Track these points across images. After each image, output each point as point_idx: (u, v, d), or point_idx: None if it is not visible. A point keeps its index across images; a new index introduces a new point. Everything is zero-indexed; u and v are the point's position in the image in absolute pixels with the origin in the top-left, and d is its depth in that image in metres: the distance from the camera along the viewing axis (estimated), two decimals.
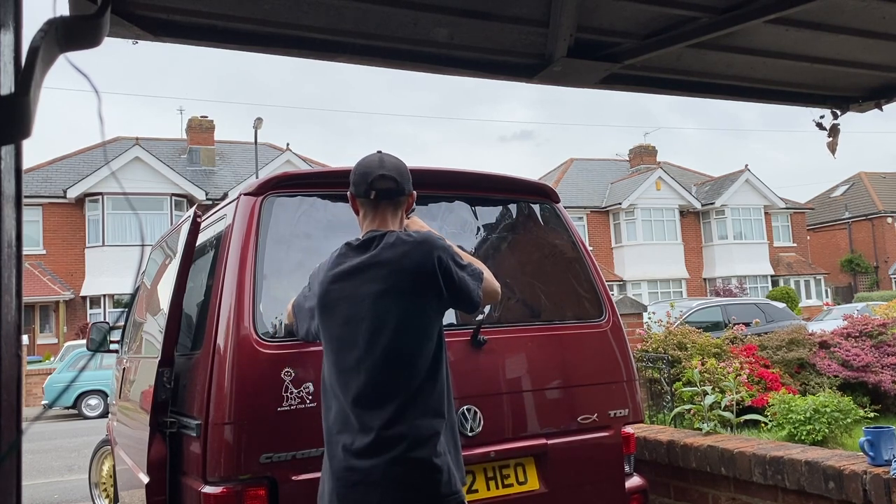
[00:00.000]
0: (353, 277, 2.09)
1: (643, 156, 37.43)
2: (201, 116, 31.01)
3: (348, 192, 2.25)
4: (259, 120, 24.01)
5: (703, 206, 34.14)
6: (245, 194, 2.74)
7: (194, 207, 3.37)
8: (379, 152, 2.24)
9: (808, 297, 34.96)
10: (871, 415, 6.67)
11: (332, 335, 2.11)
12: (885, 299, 23.86)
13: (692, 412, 5.76)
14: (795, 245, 37.17)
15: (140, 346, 3.57)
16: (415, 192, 2.27)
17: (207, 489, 2.36)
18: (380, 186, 2.14)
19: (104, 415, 13.10)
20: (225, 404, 2.38)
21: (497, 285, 2.32)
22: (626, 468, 3.11)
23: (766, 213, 35.55)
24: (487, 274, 2.26)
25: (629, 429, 3.14)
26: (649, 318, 8.96)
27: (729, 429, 5.23)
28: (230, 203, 2.87)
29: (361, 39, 2.44)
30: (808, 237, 38.84)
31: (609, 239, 33.62)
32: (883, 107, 3.27)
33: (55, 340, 24.48)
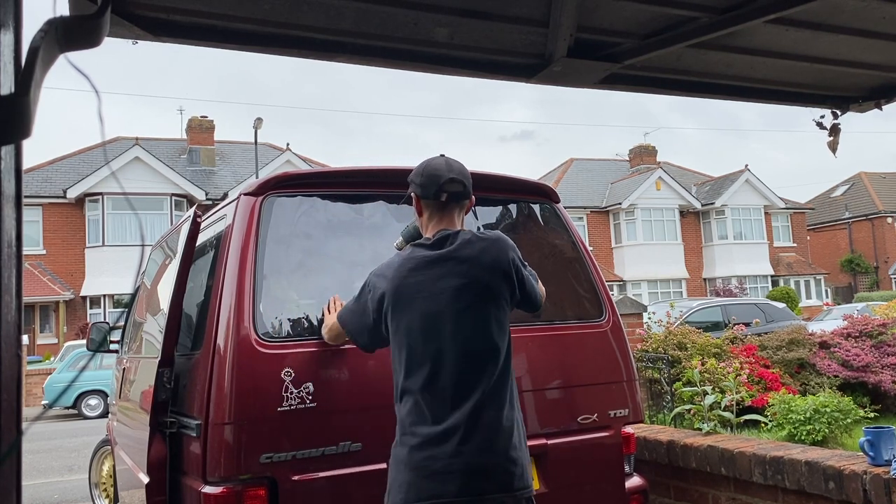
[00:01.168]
0: (429, 270, 2.15)
1: (643, 156, 37.42)
2: (201, 116, 31.01)
3: (411, 194, 2.29)
4: (259, 120, 24.01)
5: (703, 206, 34.14)
6: (245, 194, 2.74)
7: (194, 207, 3.37)
8: (443, 156, 2.31)
9: (808, 297, 34.96)
10: (871, 415, 6.67)
11: (409, 328, 2.14)
12: (885, 299, 23.86)
13: (692, 412, 5.76)
14: (795, 245, 37.16)
15: (140, 346, 3.57)
16: (474, 197, 2.34)
17: (207, 489, 2.36)
18: (451, 189, 2.21)
19: (104, 415, 13.10)
20: (225, 404, 2.38)
21: (544, 289, 2.44)
22: (626, 468, 3.11)
23: (766, 213, 35.55)
24: (536, 276, 2.38)
25: (629, 429, 3.14)
26: (649, 318, 8.96)
27: (729, 429, 5.23)
28: (230, 203, 2.87)
29: (361, 39, 2.43)
30: (808, 237, 38.83)
31: (609, 239, 33.61)
32: (883, 107, 3.26)
33: (55, 340, 24.48)
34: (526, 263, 2.30)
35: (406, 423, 2.12)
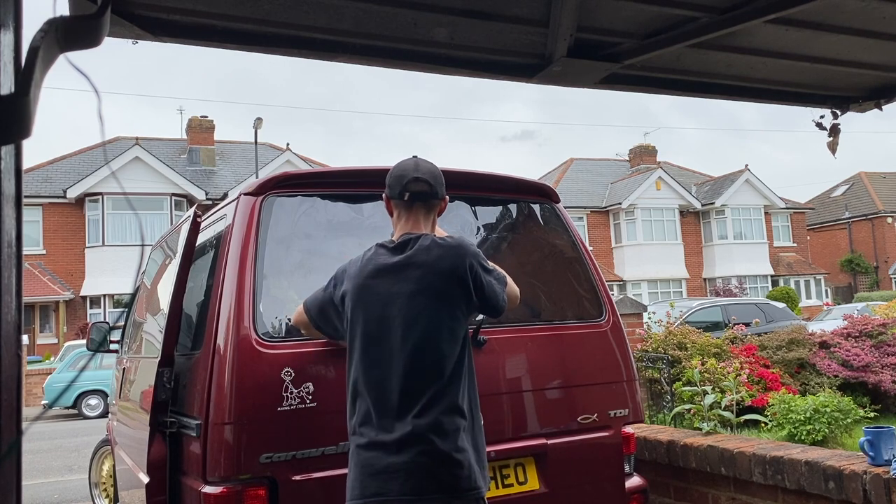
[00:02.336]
0: (388, 276, 2.17)
1: (643, 156, 37.42)
2: (201, 116, 31.01)
3: (383, 194, 2.33)
4: (259, 120, 24.01)
5: (703, 206, 34.13)
6: (245, 194, 2.74)
7: (194, 207, 3.37)
8: (414, 157, 2.32)
9: (808, 297, 34.94)
10: (871, 415, 6.67)
11: (364, 331, 2.17)
12: (885, 299, 23.85)
13: (692, 412, 5.76)
14: (795, 245, 37.15)
15: (140, 346, 3.57)
16: (447, 198, 2.35)
17: (207, 489, 2.36)
18: (414, 189, 2.23)
19: (104, 415, 13.10)
20: (225, 404, 2.38)
21: (517, 290, 2.43)
22: (626, 468, 3.11)
23: (766, 213, 35.54)
24: (509, 279, 2.37)
25: (629, 429, 3.14)
26: (649, 318, 8.96)
27: (729, 429, 5.24)
28: (230, 203, 2.87)
29: (361, 39, 2.43)
30: (808, 237, 38.82)
31: (609, 239, 33.61)
32: (883, 107, 3.26)
33: (55, 340, 24.48)
34: (492, 268, 2.28)
35: (355, 423, 2.16)
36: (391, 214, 2.33)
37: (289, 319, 2.59)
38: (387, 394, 2.11)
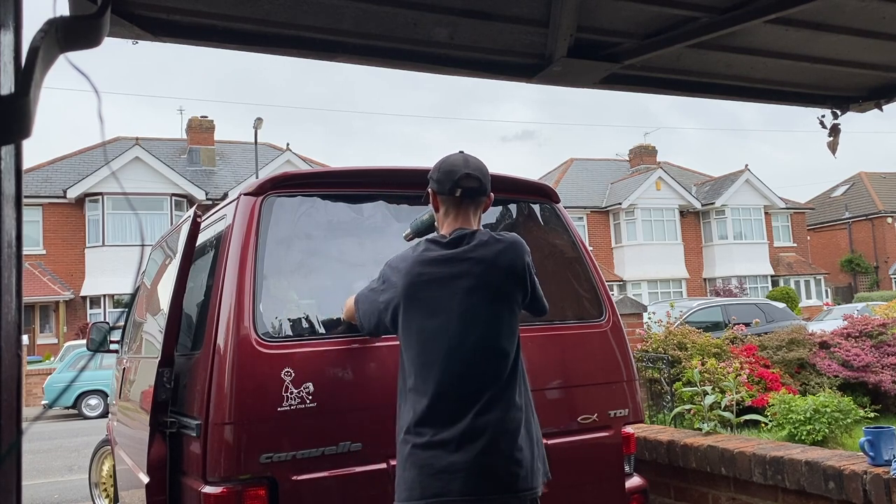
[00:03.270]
0: (443, 269, 2.14)
1: (643, 156, 37.41)
2: (201, 116, 31.00)
3: (428, 189, 2.29)
4: (259, 120, 24.00)
5: (703, 206, 34.13)
6: (245, 194, 2.74)
7: (194, 207, 3.37)
8: (461, 152, 2.29)
9: (808, 297, 34.94)
10: (871, 415, 6.67)
11: (420, 325, 2.14)
12: (885, 299, 23.85)
13: (692, 412, 5.76)
14: (795, 245, 37.15)
15: (140, 346, 3.57)
16: (492, 195, 2.32)
17: (207, 489, 2.36)
18: (465, 185, 2.19)
19: (104, 415, 13.10)
20: (225, 404, 2.38)
21: None
22: (626, 468, 3.11)
23: (766, 213, 35.54)
24: None
25: (629, 429, 3.14)
26: (649, 318, 8.96)
27: (729, 429, 5.24)
28: (230, 203, 2.87)
29: (361, 39, 2.43)
30: (809, 237, 38.82)
31: (609, 239, 33.60)
32: (883, 107, 3.26)
33: (55, 340, 24.47)
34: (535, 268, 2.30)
35: (411, 422, 2.12)
36: (436, 210, 2.29)
37: (289, 320, 2.60)
38: (446, 392, 2.08)
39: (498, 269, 2.14)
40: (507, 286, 2.16)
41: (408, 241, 2.40)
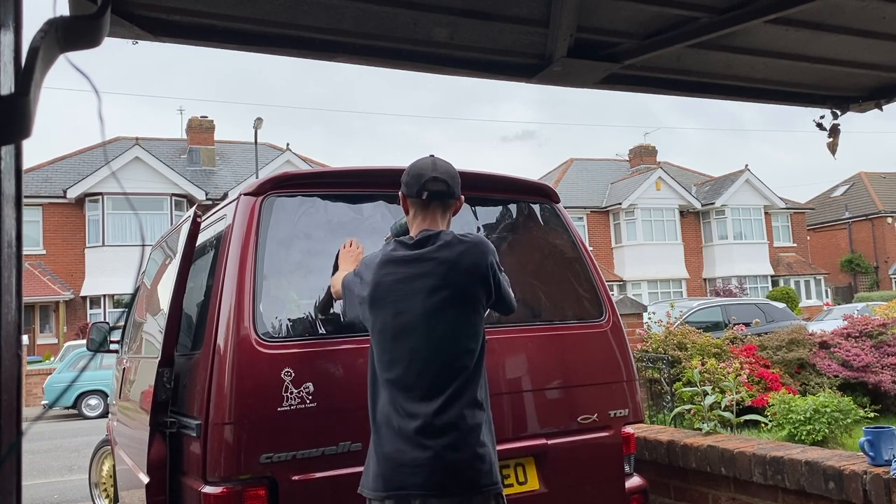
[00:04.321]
0: (407, 269, 2.19)
1: (643, 156, 37.41)
2: (201, 116, 31.00)
3: (399, 192, 2.34)
4: (259, 120, 24.00)
5: (703, 206, 34.12)
6: (245, 194, 2.74)
7: (194, 207, 3.37)
8: (432, 156, 2.35)
9: (808, 297, 34.93)
10: (871, 415, 6.66)
11: (385, 324, 2.19)
12: (885, 299, 23.84)
13: (692, 412, 5.76)
14: (795, 245, 37.14)
15: (140, 346, 3.57)
16: (462, 197, 2.37)
17: (207, 489, 2.36)
18: (432, 188, 2.24)
19: (104, 415, 13.10)
20: (225, 404, 2.38)
21: (511, 293, 2.46)
22: (626, 468, 3.11)
23: (766, 213, 35.53)
24: None
25: (629, 429, 3.14)
26: (649, 318, 8.95)
27: (729, 429, 5.24)
28: (230, 203, 2.87)
29: (361, 39, 2.43)
30: (808, 237, 38.81)
31: (609, 239, 33.60)
32: (883, 107, 3.26)
33: (55, 340, 24.47)
34: (501, 268, 2.33)
35: (378, 417, 2.18)
36: (406, 212, 2.35)
37: (289, 320, 2.60)
38: (410, 389, 2.12)
39: (460, 269, 2.18)
40: (469, 287, 2.19)
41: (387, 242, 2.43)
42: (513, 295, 2.39)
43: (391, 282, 2.19)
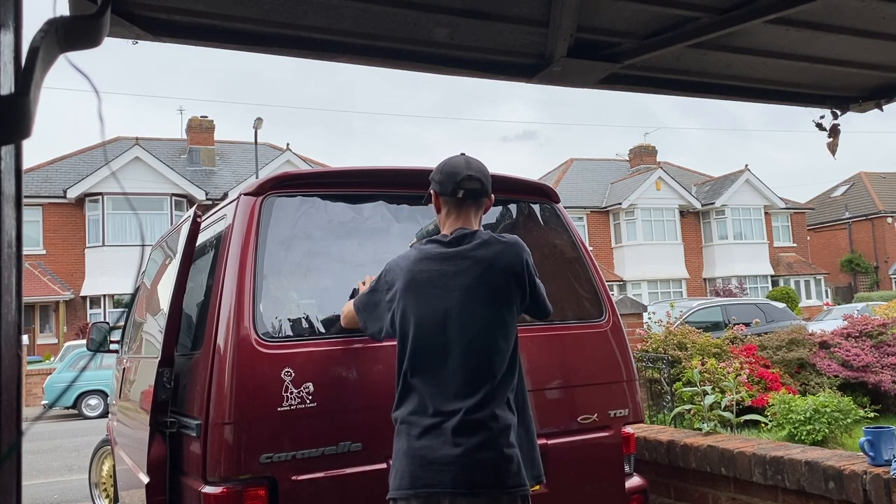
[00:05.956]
0: (444, 266, 2.18)
1: (643, 156, 37.40)
2: (201, 116, 30.99)
3: (430, 191, 2.33)
4: (259, 120, 23.99)
5: (703, 206, 34.12)
6: (245, 194, 2.74)
7: (194, 207, 3.37)
8: (463, 154, 2.34)
9: (808, 297, 34.93)
10: (871, 415, 6.67)
11: (419, 320, 2.17)
12: (885, 299, 23.85)
13: (692, 412, 5.76)
14: (795, 245, 37.14)
15: (140, 346, 3.57)
16: (493, 196, 2.37)
17: (207, 489, 2.36)
18: (467, 186, 2.24)
19: (104, 415, 13.09)
20: (225, 404, 2.38)
21: None
22: (626, 468, 3.11)
23: (766, 213, 35.53)
24: None
25: (629, 429, 3.14)
26: (649, 318, 8.96)
27: (729, 429, 5.24)
28: (230, 203, 2.87)
29: (361, 39, 2.43)
30: (809, 237, 38.81)
31: (609, 239, 33.60)
32: (883, 107, 3.26)
33: (55, 340, 24.47)
34: (537, 272, 2.32)
35: (407, 413, 2.16)
36: (438, 211, 2.34)
37: (289, 320, 2.60)
38: (441, 387, 2.12)
39: (497, 269, 2.18)
40: (505, 286, 2.19)
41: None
42: (547, 299, 2.37)
43: (426, 278, 2.18)
